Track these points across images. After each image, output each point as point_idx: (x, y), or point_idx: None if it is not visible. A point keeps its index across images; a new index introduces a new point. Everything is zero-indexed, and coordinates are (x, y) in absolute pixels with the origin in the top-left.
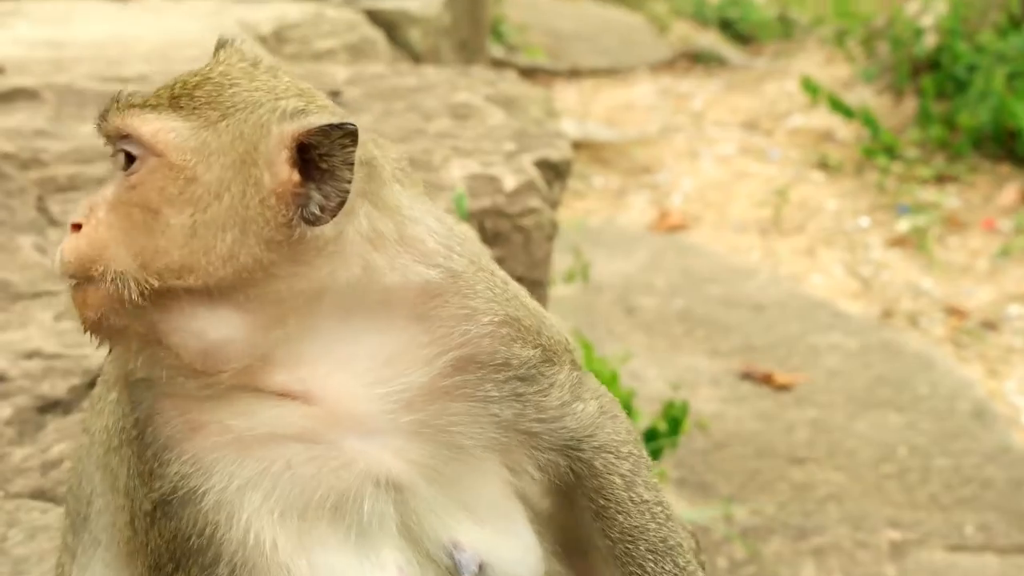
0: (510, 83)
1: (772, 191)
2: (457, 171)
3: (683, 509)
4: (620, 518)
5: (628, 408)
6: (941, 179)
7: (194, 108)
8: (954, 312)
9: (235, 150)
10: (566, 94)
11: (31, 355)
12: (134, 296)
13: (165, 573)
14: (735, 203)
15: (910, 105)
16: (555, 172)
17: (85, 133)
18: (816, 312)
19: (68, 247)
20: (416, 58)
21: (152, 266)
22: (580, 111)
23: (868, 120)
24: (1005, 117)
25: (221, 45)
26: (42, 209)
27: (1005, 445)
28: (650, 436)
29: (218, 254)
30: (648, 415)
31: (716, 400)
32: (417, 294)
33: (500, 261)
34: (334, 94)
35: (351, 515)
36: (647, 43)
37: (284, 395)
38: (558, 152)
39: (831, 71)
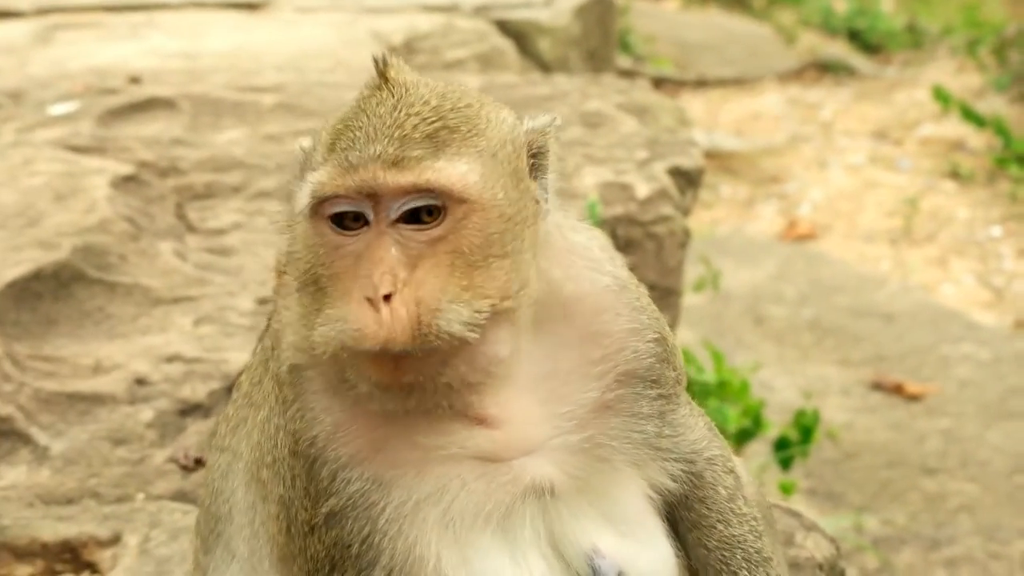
0: (642, 91)
1: (902, 200)
2: (590, 179)
3: (813, 519)
4: (720, 527)
5: (758, 418)
6: None
7: (460, 143)
8: None
9: (507, 170)
10: (693, 104)
11: (172, 359)
12: (465, 341)
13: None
14: (865, 213)
15: None
16: (687, 180)
17: (221, 142)
18: (947, 322)
19: (399, 318)
20: (545, 68)
21: (481, 306)
22: (707, 121)
23: (1000, 129)
24: None
25: (384, 64)
26: (181, 216)
27: None
28: (781, 445)
29: (525, 273)
30: (778, 425)
31: (846, 410)
32: (590, 306)
33: (632, 269)
34: None
35: (511, 527)
36: (774, 53)
37: (475, 417)
38: (690, 160)
39: (962, 80)
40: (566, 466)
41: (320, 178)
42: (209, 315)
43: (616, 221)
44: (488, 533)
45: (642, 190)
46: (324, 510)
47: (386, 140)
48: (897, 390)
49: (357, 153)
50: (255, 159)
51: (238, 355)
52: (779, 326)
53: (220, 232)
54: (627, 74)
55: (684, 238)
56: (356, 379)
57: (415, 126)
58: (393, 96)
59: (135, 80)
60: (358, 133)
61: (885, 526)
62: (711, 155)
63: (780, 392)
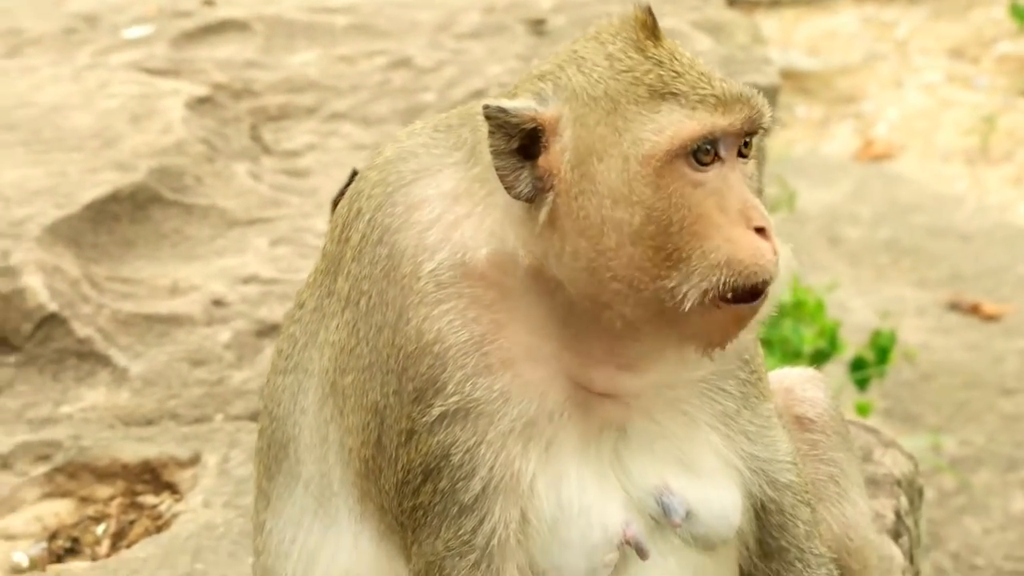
0: (716, 9)
1: (979, 119)
2: None
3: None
4: (798, 566)
5: (834, 338)
6: None
7: None
8: None
9: None
10: (767, 23)
11: (248, 280)
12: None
13: (411, 487)
14: (941, 132)
15: None
16: (764, 97)
17: (295, 63)
18: None
19: (781, 252)
20: None
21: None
22: (782, 40)
23: None
24: None
25: (652, 18)
26: (256, 138)
27: None
28: (857, 366)
29: None
30: (854, 345)
31: (923, 331)
32: None
33: None
34: (539, 22)
35: (597, 458)
36: None
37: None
38: (766, 78)
39: None
40: (651, 411)
41: (706, 117)
42: (285, 236)
43: None
44: (577, 460)
45: None
46: (437, 411)
47: (737, 81)
48: (974, 310)
49: (731, 91)
50: (329, 80)
51: None
52: (855, 247)
53: (294, 154)
54: None
55: (761, 158)
56: (693, 325)
57: (703, 71)
58: (678, 50)
59: (209, 2)
60: (697, 74)
61: (962, 447)
62: (786, 75)
63: (856, 313)
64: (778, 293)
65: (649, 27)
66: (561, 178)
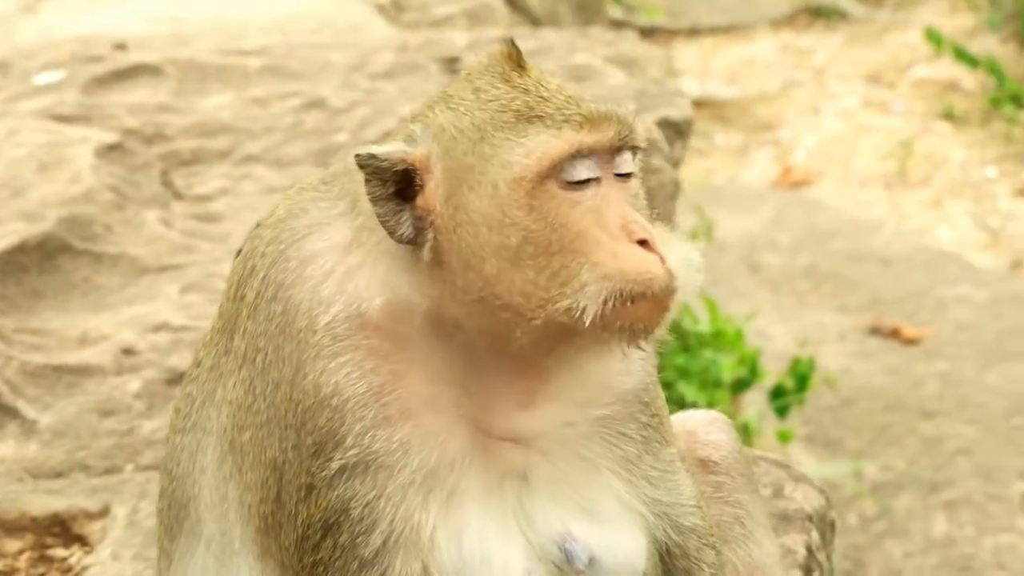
0: (629, 43)
1: (897, 144)
2: None
3: (812, 466)
4: None
5: (754, 367)
6: None
7: None
8: None
9: None
10: (686, 53)
11: (158, 328)
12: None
13: (311, 543)
14: (859, 157)
15: None
16: (676, 131)
17: (208, 106)
18: (944, 264)
19: (673, 261)
20: (534, 21)
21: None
22: (700, 69)
23: (993, 69)
24: None
25: (516, 49)
26: (167, 183)
27: None
28: (776, 394)
29: None
30: (775, 373)
31: (844, 356)
32: None
33: None
34: (452, 61)
35: (499, 507)
36: None
37: (527, 390)
38: (679, 111)
39: (954, 21)
40: (552, 456)
41: (572, 136)
42: (196, 283)
43: None
44: (479, 509)
45: None
46: (336, 465)
47: (607, 101)
48: (894, 334)
49: (599, 111)
50: (242, 123)
51: None
52: (775, 274)
53: (206, 198)
54: (618, 25)
55: (674, 190)
56: (596, 336)
57: (571, 97)
58: (545, 77)
59: (121, 47)
60: (563, 98)
61: (884, 471)
62: (705, 104)
63: (777, 340)
64: (688, 292)
65: (515, 59)
66: (438, 214)
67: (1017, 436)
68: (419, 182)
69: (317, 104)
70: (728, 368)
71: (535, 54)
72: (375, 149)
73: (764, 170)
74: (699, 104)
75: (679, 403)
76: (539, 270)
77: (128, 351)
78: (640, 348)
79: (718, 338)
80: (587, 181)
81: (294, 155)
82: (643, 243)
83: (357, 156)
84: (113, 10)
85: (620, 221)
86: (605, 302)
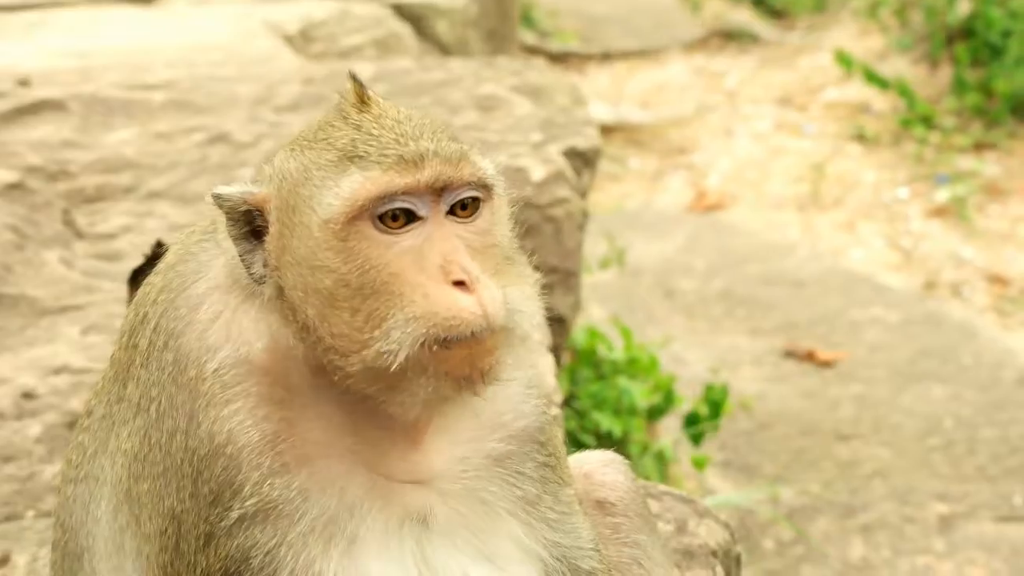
0: (536, 72)
1: (809, 166)
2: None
3: (728, 492)
4: None
5: (669, 393)
6: (979, 147)
7: (473, 146)
8: (996, 280)
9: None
10: (599, 77)
11: (59, 371)
12: (529, 336)
13: None
14: (772, 180)
15: (945, 74)
16: (583, 160)
17: (112, 142)
18: (857, 286)
19: (493, 298)
20: (444, 50)
21: (535, 299)
22: (614, 94)
23: (904, 91)
24: None
25: (361, 85)
26: (68, 222)
27: None
28: (691, 421)
29: None
30: (691, 399)
31: (759, 380)
32: None
33: (530, 253)
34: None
35: (399, 551)
36: (679, 22)
37: (416, 434)
38: (586, 140)
39: (865, 43)
40: (451, 501)
41: (382, 177)
42: (97, 323)
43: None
44: (379, 555)
45: (537, 173)
46: (235, 514)
47: (436, 139)
48: (809, 357)
49: (419, 149)
50: (146, 159)
51: None
52: (689, 299)
53: (109, 236)
54: (532, 51)
55: (582, 219)
56: (421, 382)
57: (441, 131)
58: (387, 112)
59: (24, 82)
60: (398, 135)
61: (800, 495)
62: (618, 129)
63: (692, 365)
64: (517, 333)
65: (357, 95)
66: (273, 254)
67: (931, 457)
68: (262, 222)
69: (222, 138)
70: (643, 395)
71: (442, 85)
72: (223, 189)
73: (678, 194)
74: (613, 129)
75: (594, 432)
76: (354, 312)
77: (28, 395)
78: (473, 392)
79: (632, 365)
80: (408, 222)
81: (198, 191)
82: (460, 284)
83: (212, 195)
84: (17, 45)
85: (440, 261)
86: (417, 346)
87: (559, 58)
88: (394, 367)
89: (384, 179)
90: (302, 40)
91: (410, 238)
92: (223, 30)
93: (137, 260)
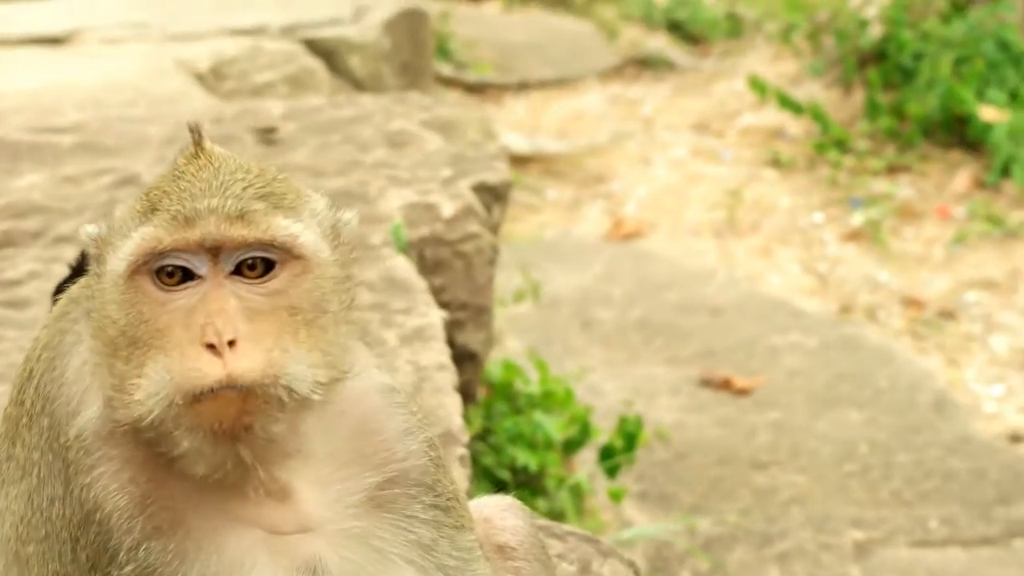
0: (447, 107)
1: (725, 192)
2: (394, 201)
3: (645, 523)
4: None
5: (586, 426)
6: (893, 170)
7: (291, 204)
8: (912, 303)
9: (331, 242)
10: (516, 108)
11: None
12: (307, 397)
13: None
14: (689, 207)
15: (859, 97)
16: (494, 195)
17: (20, 187)
18: (774, 312)
19: (245, 354)
20: (358, 85)
21: (323, 363)
22: (531, 124)
23: (817, 115)
24: (953, 104)
25: (199, 135)
26: None
27: (966, 435)
28: (606, 454)
29: (351, 348)
30: (607, 431)
31: (676, 409)
32: (367, 403)
33: (441, 289)
34: (270, 131)
35: None
36: (595, 50)
37: (267, 488)
38: (496, 175)
39: (779, 68)
40: (341, 549)
41: (153, 233)
42: (1, 373)
43: (423, 242)
44: None
45: (447, 209)
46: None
47: (224, 195)
48: (725, 385)
49: (195, 207)
50: (55, 203)
51: None
52: (607, 329)
53: (15, 283)
54: (448, 82)
55: (492, 255)
56: (181, 437)
57: (246, 187)
58: (212, 164)
59: None
60: (188, 191)
61: (717, 525)
62: (535, 159)
63: (609, 396)
64: (279, 390)
65: (195, 143)
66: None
67: (848, 483)
68: None
69: (131, 180)
70: (558, 428)
71: (353, 122)
72: (87, 228)
73: (596, 224)
74: (530, 159)
75: (510, 467)
76: (126, 363)
77: None
78: (240, 447)
79: (548, 398)
80: (186, 279)
81: None
82: (211, 347)
83: (81, 233)
84: None
85: (203, 321)
86: (167, 400)
87: (476, 89)
88: (148, 420)
89: (154, 236)
90: (213, 78)
91: (185, 296)
92: (134, 69)
93: (45, 307)
